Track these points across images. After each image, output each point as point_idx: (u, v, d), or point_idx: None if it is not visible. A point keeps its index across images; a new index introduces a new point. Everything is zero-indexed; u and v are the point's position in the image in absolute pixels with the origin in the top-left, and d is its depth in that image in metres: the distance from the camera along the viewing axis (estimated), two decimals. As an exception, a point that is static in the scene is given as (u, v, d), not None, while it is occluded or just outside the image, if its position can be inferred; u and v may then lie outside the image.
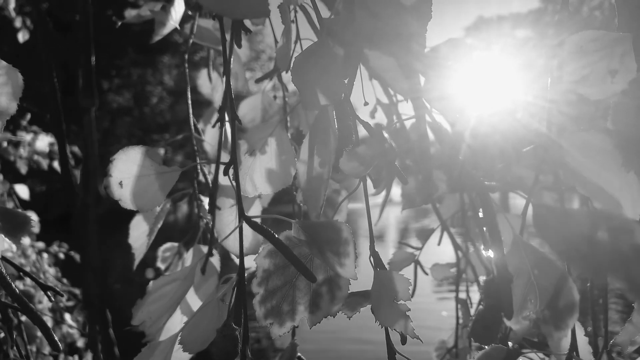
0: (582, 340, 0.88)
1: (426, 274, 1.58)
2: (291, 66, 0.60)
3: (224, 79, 0.68)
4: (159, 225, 1.08)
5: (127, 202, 0.67)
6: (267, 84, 1.37)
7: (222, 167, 0.70)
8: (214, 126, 0.68)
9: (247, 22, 1.48)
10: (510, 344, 1.02)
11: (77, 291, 3.89)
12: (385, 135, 0.55)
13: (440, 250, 1.69)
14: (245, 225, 0.65)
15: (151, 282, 0.66)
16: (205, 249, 1.14)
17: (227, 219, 0.75)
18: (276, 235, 0.61)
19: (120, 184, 0.65)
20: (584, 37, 0.70)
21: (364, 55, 0.76)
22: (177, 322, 0.79)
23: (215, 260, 1.10)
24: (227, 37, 0.76)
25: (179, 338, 0.64)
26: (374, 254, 0.72)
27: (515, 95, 0.84)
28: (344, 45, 0.58)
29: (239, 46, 0.70)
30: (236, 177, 0.67)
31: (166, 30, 1.08)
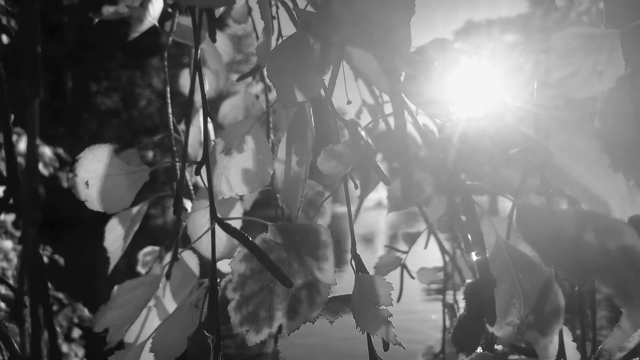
0: (571, 346, 0.87)
1: (412, 277, 1.56)
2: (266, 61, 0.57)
3: (194, 72, 0.66)
4: (136, 228, 1.05)
5: (93, 203, 0.64)
6: (255, 85, 1.34)
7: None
8: (179, 122, 0.65)
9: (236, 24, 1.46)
10: (499, 347, 1.00)
11: (60, 295, 3.83)
12: (362, 132, 0.53)
13: (430, 255, 1.67)
14: (220, 228, 0.62)
15: (116, 287, 0.63)
16: (185, 253, 1.11)
17: (200, 221, 0.72)
18: (250, 239, 0.59)
19: (87, 184, 0.62)
20: (570, 33, 0.68)
21: (347, 52, 0.74)
22: (151, 329, 0.76)
23: (194, 264, 1.07)
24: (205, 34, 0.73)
25: (149, 345, 0.61)
26: (356, 257, 0.70)
27: (504, 99, 0.82)
28: (320, 38, 0.56)
29: (213, 40, 0.67)
30: (208, 177, 0.64)
31: (144, 26, 1.05)
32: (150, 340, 0.61)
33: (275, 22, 0.96)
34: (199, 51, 1.29)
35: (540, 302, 0.47)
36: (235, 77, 1.36)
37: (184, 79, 1.35)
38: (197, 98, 1.35)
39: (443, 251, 1.50)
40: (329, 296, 0.66)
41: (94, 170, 0.63)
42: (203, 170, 0.69)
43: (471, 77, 0.93)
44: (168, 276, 0.62)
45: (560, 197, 0.85)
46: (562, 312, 0.47)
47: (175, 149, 1.19)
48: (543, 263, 0.47)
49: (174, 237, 0.64)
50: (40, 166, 3.80)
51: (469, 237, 0.49)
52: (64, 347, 3.56)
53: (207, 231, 0.61)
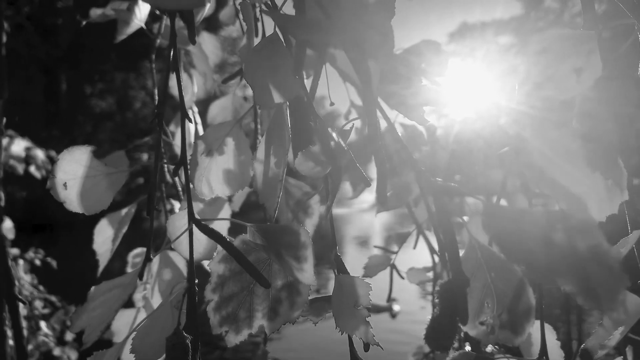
0: (554, 344, 0.87)
1: (402, 277, 1.57)
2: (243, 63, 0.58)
3: (167, 74, 0.66)
4: (124, 230, 1.05)
5: (72, 204, 0.64)
6: (245, 87, 1.35)
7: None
8: (151, 123, 0.65)
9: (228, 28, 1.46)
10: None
11: (53, 298, 3.82)
12: (333, 134, 0.53)
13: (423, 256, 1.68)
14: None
15: (93, 288, 0.63)
16: (172, 254, 1.11)
17: (179, 222, 0.72)
18: (228, 240, 0.59)
19: (65, 185, 0.62)
20: (549, 36, 0.68)
21: (331, 55, 0.74)
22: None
23: (181, 264, 1.07)
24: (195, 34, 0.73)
25: (130, 346, 0.61)
26: (336, 259, 0.70)
27: (498, 100, 0.83)
28: (296, 40, 0.56)
29: (192, 43, 0.68)
30: (186, 178, 0.64)
31: (130, 29, 1.06)
32: (130, 341, 0.61)
33: (259, 24, 0.96)
34: (188, 53, 1.30)
35: (512, 302, 0.48)
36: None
37: (172, 81, 1.35)
38: (187, 99, 1.36)
39: (432, 251, 1.51)
40: (309, 297, 0.66)
41: (72, 172, 0.63)
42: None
43: (466, 79, 0.94)
44: (141, 276, 0.62)
45: (540, 198, 0.86)
46: (534, 311, 0.48)
47: (163, 150, 1.19)
48: (510, 263, 0.47)
49: (149, 238, 0.64)
50: (33, 169, 3.78)
51: (441, 237, 0.49)
52: (57, 350, 3.55)
53: (184, 232, 0.62)
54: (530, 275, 0.45)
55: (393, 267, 1.54)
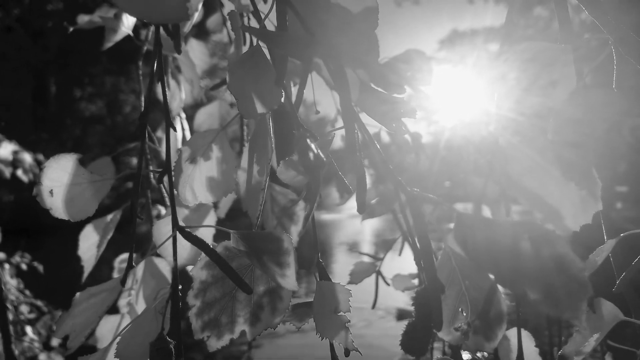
0: (533, 351, 0.89)
1: (387, 284, 1.58)
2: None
3: (149, 82, 0.67)
4: (109, 237, 1.06)
5: (58, 211, 0.65)
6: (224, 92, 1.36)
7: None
8: (134, 132, 0.66)
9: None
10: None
11: (39, 303, 3.79)
12: (312, 145, 0.55)
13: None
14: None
15: (77, 294, 0.64)
16: (157, 260, 1.12)
17: (164, 228, 0.73)
18: (210, 246, 0.60)
19: (51, 192, 0.63)
20: (526, 48, 0.70)
21: (317, 64, 0.75)
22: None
23: (166, 270, 1.08)
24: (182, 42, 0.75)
25: (114, 351, 0.62)
26: (319, 266, 0.71)
27: (487, 107, 0.84)
28: (275, 54, 0.58)
29: (178, 52, 0.69)
30: (170, 185, 0.65)
31: (118, 36, 1.07)
32: (115, 346, 0.62)
33: (247, 33, 0.98)
34: (176, 59, 1.31)
35: (484, 309, 0.49)
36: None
37: (159, 87, 1.36)
38: (175, 106, 1.37)
39: (417, 258, 1.52)
40: (291, 303, 0.68)
41: (58, 179, 0.64)
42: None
43: (456, 85, 0.95)
44: (123, 283, 0.62)
45: (520, 205, 0.88)
46: (505, 317, 0.49)
47: (149, 157, 1.20)
48: (479, 270, 0.49)
49: (131, 245, 0.65)
50: (20, 172, 3.77)
51: (417, 244, 0.51)
52: (42, 356, 3.53)
53: (168, 238, 0.63)
54: (499, 283, 0.47)
55: (379, 273, 1.56)
